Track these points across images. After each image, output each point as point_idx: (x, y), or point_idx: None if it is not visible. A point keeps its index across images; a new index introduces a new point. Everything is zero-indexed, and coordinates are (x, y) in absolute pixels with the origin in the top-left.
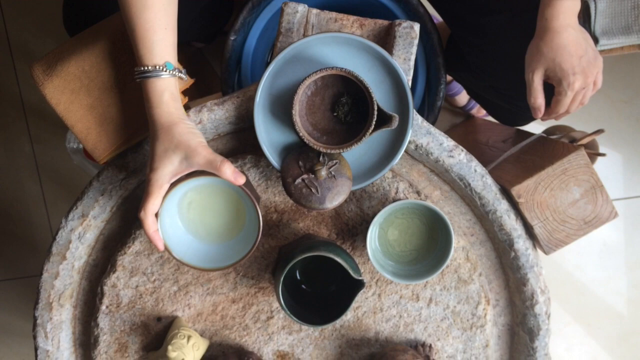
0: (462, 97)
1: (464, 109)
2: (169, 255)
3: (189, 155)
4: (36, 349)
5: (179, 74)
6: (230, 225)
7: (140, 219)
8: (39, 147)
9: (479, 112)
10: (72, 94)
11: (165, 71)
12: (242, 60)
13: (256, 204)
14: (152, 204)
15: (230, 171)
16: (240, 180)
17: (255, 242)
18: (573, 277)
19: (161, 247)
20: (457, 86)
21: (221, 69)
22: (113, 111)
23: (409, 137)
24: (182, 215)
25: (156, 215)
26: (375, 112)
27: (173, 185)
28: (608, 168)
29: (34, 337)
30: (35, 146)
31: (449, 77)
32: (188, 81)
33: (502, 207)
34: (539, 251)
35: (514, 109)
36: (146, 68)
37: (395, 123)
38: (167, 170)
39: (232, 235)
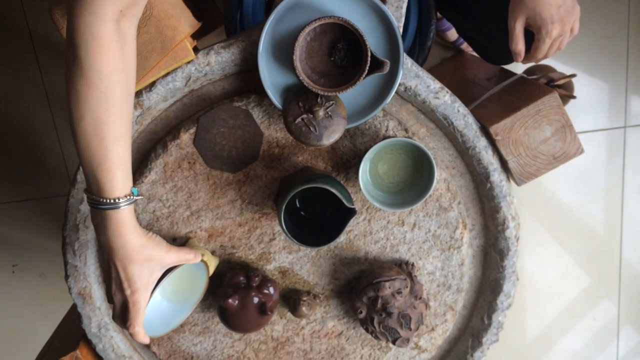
0: (453, 33)
1: (454, 44)
2: (181, 184)
3: (162, 264)
4: (66, 264)
5: (136, 197)
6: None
7: (132, 333)
8: (48, 76)
9: (468, 47)
10: None
11: (130, 198)
12: None
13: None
14: (141, 318)
15: (193, 255)
16: (198, 258)
17: (198, 299)
18: (549, 202)
19: (147, 342)
20: (448, 22)
21: (224, 9)
22: None
23: (399, 80)
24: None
25: None
26: (369, 58)
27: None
28: (592, 102)
29: (64, 254)
30: (44, 75)
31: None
32: (195, 25)
33: (480, 144)
34: (512, 183)
35: (498, 51)
36: (110, 200)
37: (386, 68)
38: (148, 287)
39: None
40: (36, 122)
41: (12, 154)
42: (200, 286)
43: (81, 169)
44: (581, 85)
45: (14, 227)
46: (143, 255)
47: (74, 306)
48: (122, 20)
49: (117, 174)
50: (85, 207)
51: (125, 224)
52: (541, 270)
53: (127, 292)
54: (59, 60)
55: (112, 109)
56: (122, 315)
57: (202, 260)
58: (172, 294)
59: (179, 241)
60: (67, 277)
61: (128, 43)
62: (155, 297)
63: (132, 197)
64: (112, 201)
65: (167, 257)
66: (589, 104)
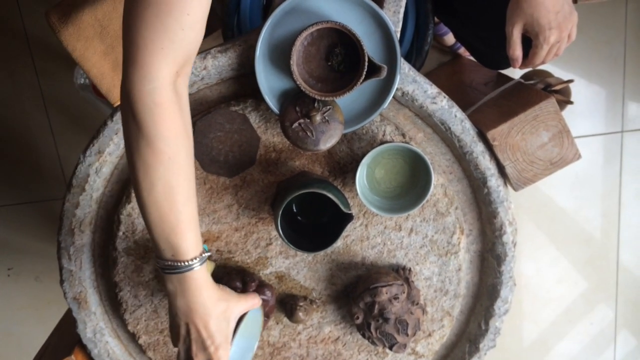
0: (450, 37)
1: (451, 48)
2: None
3: (235, 313)
4: (61, 269)
5: (207, 253)
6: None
7: None
8: (44, 78)
9: (465, 52)
10: (86, 41)
11: (203, 256)
12: (241, 3)
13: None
14: None
15: (258, 299)
16: (260, 301)
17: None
18: (546, 206)
19: None
20: (445, 27)
21: (221, 12)
22: None
23: (396, 85)
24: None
25: None
26: (366, 63)
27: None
28: (589, 106)
29: (59, 259)
30: (41, 78)
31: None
32: None
33: (478, 149)
34: (509, 188)
35: (496, 56)
36: (187, 263)
37: (384, 73)
38: (228, 339)
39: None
40: (32, 125)
41: (8, 156)
42: (258, 323)
43: (76, 174)
44: (578, 90)
45: (10, 231)
46: (220, 308)
47: (69, 311)
48: (177, 81)
49: (190, 235)
50: (80, 212)
51: (203, 282)
52: (538, 275)
53: (211, 349)
54: (56, 64)
55: (180, 172)
56: None
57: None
58: (239, 337)
59: None
60: (62, 281)
61: (184, 102)
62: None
63: (204, 254)
64: (188, 263)
65: (238, 306)
66: (586, 108)
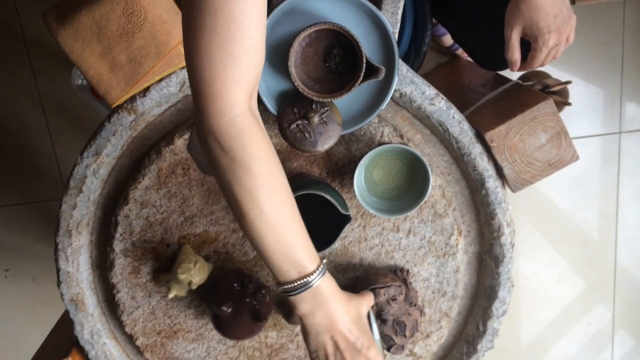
0: (448, 38)
1: (449, 49)
2: (175, 190)
3: (365, 313)
4: (58, 270)
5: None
6: None
7: None
8: (41, 79)
9: (463, 52)
10: (83, 42)
11: (323, 265)
12: None
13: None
14: None
15: (372, 298)
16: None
17: None
18: (544, 207)
19: None
20: (443, 28)
21: None
22: (123, 58)
23: (394, 86)
24: None
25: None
26: (364, 65)
27: None
28: (587, 107)
29: (56, 260)
30: (38, 78)
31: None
32: None
33: (476, 150)
34: (507, 189)
35: (494, 58)
36: (316, 272)
37: (382, 74)
38: (371, 337)
39: None
40: (30, 126)
41: (5, 157)
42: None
43: (73, 175)
44: (576, 91)
45: (7, 231)
46: (354, 308)
47: (67, 312)
48: (251, 104)
49: (309, 247)
50: (78, 213)
51: (333, 289)
52: (536, 276)
53: (364, 350)
54: (53, 64)
55: (282, 190)
56: None
57: None
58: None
59: (173, 247)
60: (59, 283)
61: (261, 123)
62: None
63: (324, 261)
64: (315, 275)
65: (362, 303)
66: (583, 109)
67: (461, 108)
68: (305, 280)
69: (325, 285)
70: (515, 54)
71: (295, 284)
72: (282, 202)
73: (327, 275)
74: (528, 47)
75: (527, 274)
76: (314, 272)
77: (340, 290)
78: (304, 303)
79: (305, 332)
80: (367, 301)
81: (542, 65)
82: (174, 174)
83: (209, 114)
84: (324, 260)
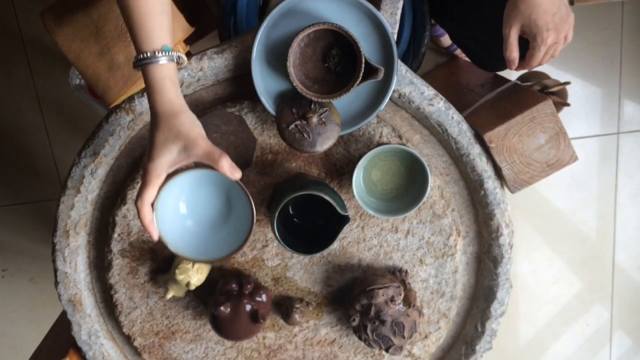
0: (447, 39)
1: (448, 50)
2: None
3: (187, 146)
4: (56, 271)
5: (177, 58)
6: (222, 217)
7: (137, 207)
8: (39, 79)
9: (461, 53)
10: (81, 42)
11: (164, 55)
12: (238, 4)
13: (250, 198)
14: (149, 193)
15: (227, 165)
16: (237, 174)
17: (248, 236)
18: (542, 207)
19: (155, 238)
20: (442, 28)
21: (217, 13)
22: (120, 58)
23: (393, 86)
24: (177, 206)
25: (152, 204)
26: (363, 65)
27: (170, 176)
28: (585, 108)
29: (53, 261)
30: (36, 78)
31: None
32: (188, 30)
33: (475, 151)
34: (506, 190)
35: (492, 58)
36: (145, 55)
37: (381, 75)
38: (165, 160)
39: (223, 227)
40: (27, 126)
41: (2, 156)
42: (240, 218)
43: (71, 175)
44: (574, 92)
45: (4, 231)
46: (170, 124)
47: (64, 313)
48: None
49: (145, 29)
50: (75, 214)
51: (159, 82)
52: (534, 276)
53: (145, 158)
54: (51, 64)
55: None
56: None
57: (238, 183)
58: (200, 216)
59: None
60: (57, 284)
61: None
62: (175, 207)
63: (163, 52)
64: (142, 56)
65: (194, 143)
66: (582, 110)
67: (460, 109)
68: (140, 56)
69: (156, 72)
70: (513, 52)
71: (137, 59)
72: None
73: (167, 67)
74: (527, 46)
75: (525, 274)
76: (147, 52)
77: (178, 97)
78: (145, 81)
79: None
80: (204, 150)
81: (540, 64)
82: None
83: None
84: (174, 54)
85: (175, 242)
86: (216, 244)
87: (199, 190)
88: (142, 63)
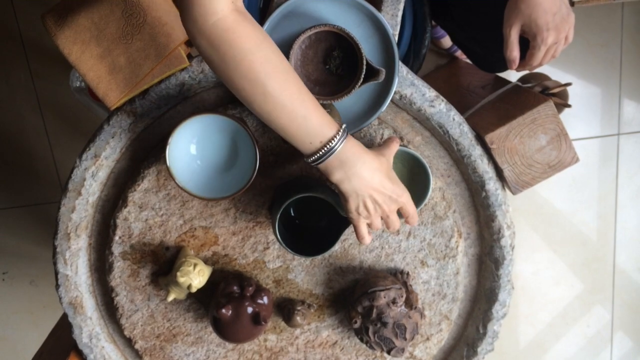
0: (447, 40)
1: (448, 51)
2: (174, 193)
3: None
4: (56, 273)
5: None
6: (228, 162)
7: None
8: (39, 81)
9: (462, 54)
10: (82, 44)
11: (344, 127)
12: None
13: (256, 146)
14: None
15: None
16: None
17: (252, 176)
18: (543, 209)
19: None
20: (442, 30)
21: None
22: (122, 60)
23: (394, 88)
24: (188, 147)
25: (167, 144)
26: (364, 67)
27: (183, 119)
28: (585, 109)
29: (54, 264)
30: (36, 81)
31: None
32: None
33: (476, 152)
34: (507, 191)
35: (493, 59)
36: (336, 138)
37: (382, 77)
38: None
39: (229, 171)
40: (28, 128)
41: (3, 160)
42: (244, 165)
43: (72, 177)
44: (575, 93)
45: (5, 234)
46: (383, 161)
47: (65, 315)
48: (237, 4)
49: (322, 113)
50: (76, 216)
51: (360, 145)
52: (535, 277)
53: (398, 198)
54: (51, 66)
55: (281, 69)
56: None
57: (245, 129)
58: (208, 158)
59: (172, 250)
60: (58, 286)
61: (251, 18)
62: (186, 147)
63: (343, 124)
64: (339, 137)
65: (389, 154)
66: (582, 111)
67: (461, 110)
68: (328, 146)
69: (349, 147)
70: (514, 51)
71: (320, 152)
72: (284, 80)
73: (350, 138)
74: (527, 46)
75: (526, 275)
76: (335, 137)
77: (366, 149)
78: (335, 170)
79: (343, 198)
80: (392, 150)
81: (541, 64)
82: None
83: (194, 19)
84: (343, 125)
85: (183, 178)
86: (220, 186)
87: (210, 135)
88: (339, 145)
